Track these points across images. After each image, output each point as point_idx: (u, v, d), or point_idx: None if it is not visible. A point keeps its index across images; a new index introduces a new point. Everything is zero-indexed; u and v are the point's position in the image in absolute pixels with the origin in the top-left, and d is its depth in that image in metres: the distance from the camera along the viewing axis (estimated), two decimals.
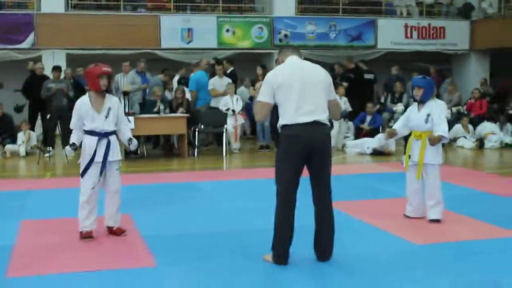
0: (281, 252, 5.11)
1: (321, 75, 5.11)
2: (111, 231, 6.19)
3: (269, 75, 5.14)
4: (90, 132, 6.00)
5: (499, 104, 17.00)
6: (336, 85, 14.24)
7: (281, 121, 5.03)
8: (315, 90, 5.00)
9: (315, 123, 4.95)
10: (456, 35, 19.14)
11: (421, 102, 6.61)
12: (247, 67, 16.50)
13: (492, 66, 19.34)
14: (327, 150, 5.07)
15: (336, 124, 13.22)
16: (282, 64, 5.18)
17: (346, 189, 8.52)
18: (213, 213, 7.15)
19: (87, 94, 6.11)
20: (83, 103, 6.03)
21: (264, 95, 5.06)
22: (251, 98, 14.32)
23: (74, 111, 6.04)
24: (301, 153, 4.95)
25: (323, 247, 5.19)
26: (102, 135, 6.00)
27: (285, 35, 17.67)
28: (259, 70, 14.04)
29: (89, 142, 5.98)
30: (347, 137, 14.32)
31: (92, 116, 5.98)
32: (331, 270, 5.04)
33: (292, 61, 5.17)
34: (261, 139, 13.46)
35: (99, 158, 5.96)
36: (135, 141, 6.34)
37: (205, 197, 8.25)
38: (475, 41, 19.12)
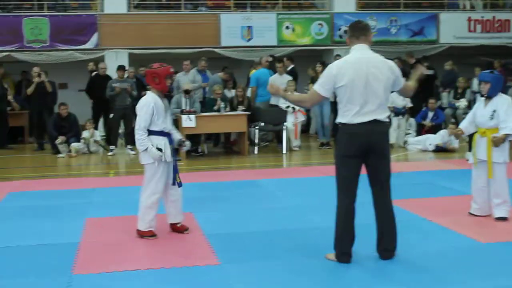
0: (344, 250, 5.10)
1: (386, 72, 4.98)
2: (175, 228, 6.25)
3: (333, 68, 5.00)
4: (160, 133, 6.00)
5: None
6: None
7: (341, 119, 5.03)
8: (377, 89, 4.93)
9: (374, 121, 4.94)
10: None
11: (488, 97, 6.44)
12: (307, 64, 16.41)
13: None
14: (384, 148, 5.06)
15: (395, 120, 13.05)
16: (347, 57, 5.07)
17: (409, 186, 8.40)
18: (274, 211, 7.15)
19: (151, 93, 6.07)
20: (157, 101, 5.93)
21: (321, 87, 5.04)
22: None
23: (147, 110, 5.86)
24: (359, 151, 4.96)
25: (385, 246, 5.14)
26: (169, 135, 6.06)
27: (345, 31, 17.47)
28: (318, 67, 13.94)
29: (159, 142, 5.98)
30: (409, 133, 14.08)
31: (163, 116, 6.00)
32: (394, 268, 4.98)
33: (358, 53, 5.03)
34: (321, 137, 13.38)
35: (168, 158, 6.01)
36: (187, 143, 6.35)
37: (266, 194, 8.25)
38: None
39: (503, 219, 6.41)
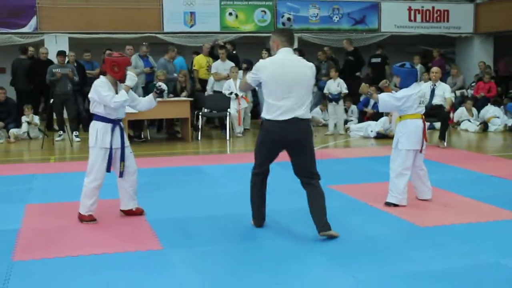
0: (255, 214, 5.81)
1: (307, 72, 5.44)
2: (130, 213, 6.27)
3: (260, 66, 5.44)
4: (104, 119, 6.02)
5: (502, 87, 16.95)
6: (330, 67, 14.32)
7: (264, 114, 5.41)
8: (299, 89, 5.33)
9: (294, 119, 5.31)
10: (460, 18, 19.01)
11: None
12: (251, 51, 16.45)
13: (496, 50, 19.25)
14: (303, 143, 5.41)
15: (330, 106, 13.26)
16: (273, 58, 5.47)
17: (350, 172, 8.55)
18: (217, 197, 7.18)
19: (103, 78, 6.06)
20: (109, 85, 6.00)
21: (251, 78, 5.51)
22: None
23: (104, 88, 5.92)
24: (277, 145, 5.46)
25: (319, 223, 5.38)
26: (116, 121, 6.04)
27: (288, 19, 17.59)
28: (264, 54, 13.96)
29: (104, 128, 5.99)
30: (351, 120, 14.30)
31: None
32: (333, 248, 5.06)
33: (283, 56, 5.44)
34: None
35: (116, 144, 6.01)
36: (162, 85, 6.48)
37: (209, 180, 8.27)
38: (479, 24, 19.02)
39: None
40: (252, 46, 16.89)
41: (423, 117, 6.68)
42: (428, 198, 6.83)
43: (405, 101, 6.54)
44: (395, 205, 6.54)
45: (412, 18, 18.78)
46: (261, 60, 5.55)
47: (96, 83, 6.04)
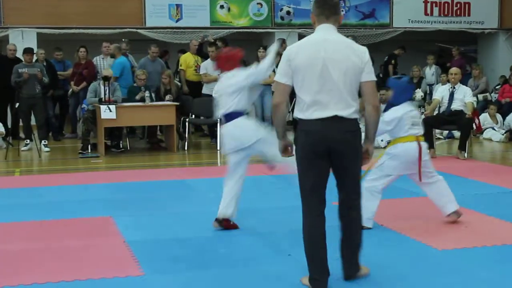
0: (313, 276, 4.74)
1: (354, 59, 4.62)
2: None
3: (288, 50, 4.75)
4: None
5: None
6: None
7: (297, 113, 4.72)
8: (337, 78, 4.58)
9: (334, 118, 4.58)
10: (483, 11, 19.07)
11: (387, 106, 6.71)
12: (245, 48, 16.45)
13: None
14: (349, 150, 4.65)
15: None
16: (306, 38, 4.79)
17: None
18: (205, 215, 7.14)
19: None
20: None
21: (281, 74, 4.71)
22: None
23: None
24: (320, 152, 4.62)
25: (345, 264, 4.95)
26: None
27: (288, 12, 17.66)
28: (261, 53, 13.98)
29: None
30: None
31: None
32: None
33: (318, 36, 4.72)
34: None
35: None
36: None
37: (197, 196, 8.28)
38: (505, 19, 19.08)
39: None
40: (247, 44, 16.87)
41: (419, 139, 6.60)
42: (453, 210, 6.77)
43: (396, 124, 6.53)
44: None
45: (429, 11, 18.84)
46: (288, 47, 4.82)
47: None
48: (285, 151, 4.89)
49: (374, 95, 4.74)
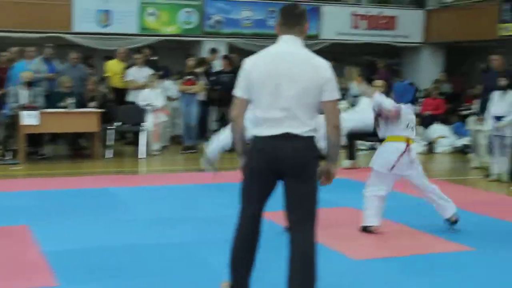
0: (235, 283, 4.55)
1: (313, 74, 4.34)
2: None
3: (246, 62, 4.50)
4: None
5: (452, 104, 17.40)
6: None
7: (252, 129, 4.47)
8: (291, 94, 4.31)
9: (286, 136, 4.34)
10: (409, 26, 19.43)
11: None
12: (174, 56, 16.43)
13: (448, 62, 19.75)
14: (301, 170, 4.37)
15: None
16: (263, 51, 4.52)
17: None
18: (125, 224, 7.11)
19: None
20: None
21: (238, 88, 4.48)
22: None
23: None
24: (269, 169, 4.39)
25: None
26: None
27: (217, 21, 17.66)
28: (190, 61, 13.94)
29: None
30: None
31: None
32: None
33: (278, 48, 4.48)
34: (187, 140, 13.44)
35: None
36: None
37: (117, 205, 8.19)
38: (429, 33, 19.49)
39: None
40: (175, 51, 16.87)
41: (410, 141, 6.82)
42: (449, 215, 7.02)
43: (398, 111, 6.72)
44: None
45: (356, 24, 19.12)
46: (247, 59, 4.54)
47: None
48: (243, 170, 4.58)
49: (334, 114, 4.41)
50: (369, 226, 6.85)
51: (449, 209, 7.05)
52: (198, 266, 5.66)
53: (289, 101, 4.30)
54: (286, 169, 4.35)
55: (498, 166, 10.58)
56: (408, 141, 6.79)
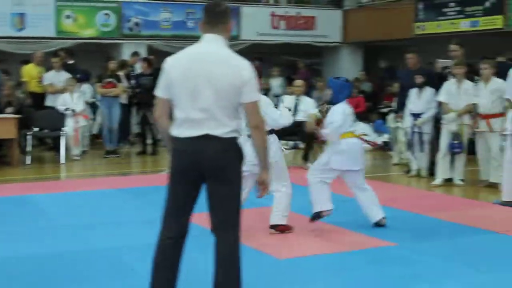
0: None
1: (231, 75, 4.22)
2: None
3: (166, 62, 4.40)
4: None
5: (372, 102, 17.72)
6: None
7: (172, 130, 4.37)
8: (208, 95, 4.21)
9: (205, 137, 4.24)
10: (328, 26, 19.70)
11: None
12: (92, 59, 16.22)
13: (367, 60, 20.10)
14: (222, 173, 4.27)
15: None
16: (186, 50, 4.41)
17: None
18: (47, 232, 6.98)
19: None
20: None
21: (159, 87, 4.39)
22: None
23: None
24: (190, 172, 4.30)
25: None
26: None
27: (136, 24, 17.51)
28: (112, 64, 13.75)
29: None
30: None
31: None
32: None
33: (200, 47, 4.38)
34: (108, 144, 13.29)
35: None
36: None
37: (36, 212, 8.03)
38: (348, 33, 19.78)
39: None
40: (95, 55, 16.66)
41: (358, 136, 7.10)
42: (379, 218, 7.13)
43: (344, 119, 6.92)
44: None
45: (276, 24, 19.25)
46: (169, 58, 4.43)
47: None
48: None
49: (255, 116, 4.28)
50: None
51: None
52: (124, 272, 5.59)
53: (208, 102, 4.20)
54: (207, 171, 4.24)
55: (418, 162, 10.83)
56: (356, 136, 7.06)
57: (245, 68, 4.26)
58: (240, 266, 4.36)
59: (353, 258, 6.04)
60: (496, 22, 15.05)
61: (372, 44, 19.57)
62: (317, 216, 7.04)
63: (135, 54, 15.76)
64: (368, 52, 20.05)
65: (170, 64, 4.35)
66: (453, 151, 9.95)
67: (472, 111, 9.94)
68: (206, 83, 4.21)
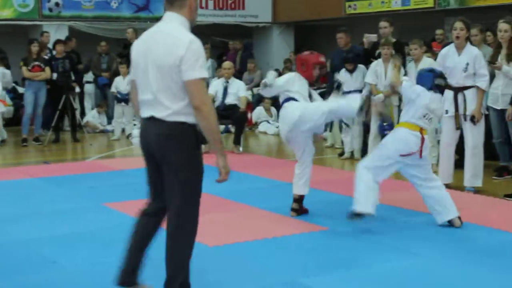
0: (120, 279, 4.53)
1: (176, 51, 4.12)
2: None
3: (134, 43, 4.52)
4: None
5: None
6: (112, 62, 14.27)
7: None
8: (153, 75, 4.23)
9: (151, 119, 4.29)
10: (257, 5, 19.66)
11: None
12: (10, 41, 15.88)
13: (298, 41, 20.18)
14: (166, 157, 4.27)
15: (118, 107, 13.27)
16: (150, 28, 4.44)
17: (130, 186, 8.46)
18: None
19: None
20: None
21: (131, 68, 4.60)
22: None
23: None
24: (146, 154, 4.44)
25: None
26: None
27: (56, 4, 17.14)
28: (34, 47, 13.36)
29: None
30: (135, 125, 14.30)
31: None
32: None
33: (158, 25, 4.38)
34: (26, 131, 12.97)
35: None
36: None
37: None
38: (278, 13, 19.80)
39: None
40: (12, 36, 16.30)
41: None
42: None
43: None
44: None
45: (204, 5, 19.11)
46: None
47: None
48: None
49: (196, 95, 4.13)
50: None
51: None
52: (47, 264, 5.51)
53: (154, 83, 4.22)
54: (155, 154, 4.32)
55: (351, 144, 10.95)
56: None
57: (181, 45, 4.13)
58: (184, 253, 4.50)
59: (284, 244, 6.09)
60: (427, 1, 15.30)
61: (303, 24, 19.65)
62: (357, 215, 6.57)
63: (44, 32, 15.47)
64: (300, 33, 20.12)
65: (134, 46, 4.47)
66: (383, 133, 10.06)
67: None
68: (151, 64, 4.25)
